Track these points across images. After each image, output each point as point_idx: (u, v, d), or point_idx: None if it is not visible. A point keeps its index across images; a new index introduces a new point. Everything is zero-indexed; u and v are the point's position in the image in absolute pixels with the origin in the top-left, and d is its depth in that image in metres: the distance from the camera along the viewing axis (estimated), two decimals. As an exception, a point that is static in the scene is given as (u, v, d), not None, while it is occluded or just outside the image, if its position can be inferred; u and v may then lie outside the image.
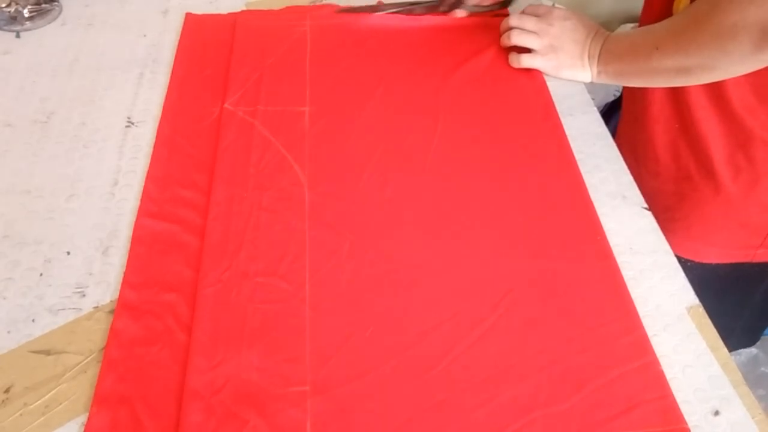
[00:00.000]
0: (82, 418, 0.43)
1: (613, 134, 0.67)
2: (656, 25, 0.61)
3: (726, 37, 0.53)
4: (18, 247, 0.53)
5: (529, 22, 0.69)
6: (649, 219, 0.58)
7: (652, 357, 0.48)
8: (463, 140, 0.63)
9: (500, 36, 0.73)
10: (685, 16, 0.58)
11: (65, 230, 0.54)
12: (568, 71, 0.69)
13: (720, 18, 0.53)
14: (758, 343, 1.42)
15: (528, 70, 0.70)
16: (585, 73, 0.68)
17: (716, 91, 0.62)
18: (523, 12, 0.72)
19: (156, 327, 0.48)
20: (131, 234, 0.54)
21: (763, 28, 0.50)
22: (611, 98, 1.00)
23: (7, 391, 0.44)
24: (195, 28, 0.74)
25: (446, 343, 0.48)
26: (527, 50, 0.70)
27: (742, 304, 0.81)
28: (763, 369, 1.35)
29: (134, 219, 0.55)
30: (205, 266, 0.51)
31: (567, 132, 0.64)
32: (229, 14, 0.76)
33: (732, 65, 0.55)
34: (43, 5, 0.76)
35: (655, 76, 0.62)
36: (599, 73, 0.67)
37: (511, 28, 0.70)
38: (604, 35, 0.67)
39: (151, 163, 0.59)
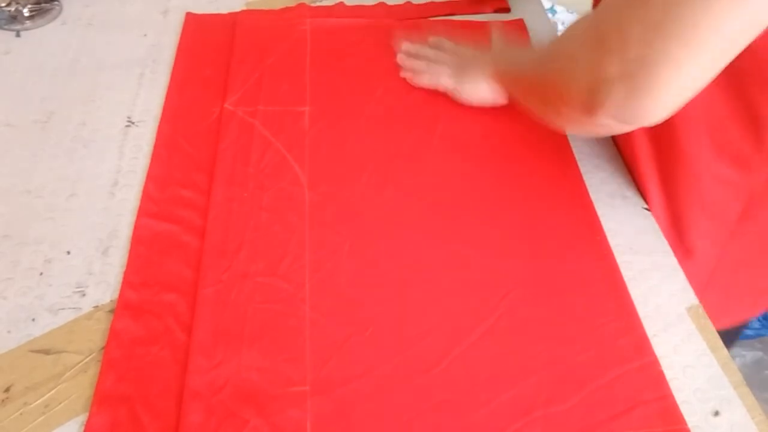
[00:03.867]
0: (82, 418, 0.43)
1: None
2: (528, 58, 0.57)
3: (560, 94, 0.46)
4: (18, 247, 0.53)
5: (430, 52, 0.68)
6: (649, 219, 0.58)
7: (652, 357, 0.48)
8: (462, 140, 0.63)
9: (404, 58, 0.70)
10: (539, 60, 0.52)
11: (65, 230, 0.54)
12: (473, 91, 0.65)
13: (554, 74, 0.47)
14: (762, 345, 1.42)
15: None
16: (489, 92, 0.64)
17: None
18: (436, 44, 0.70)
19: (156, 327, 0.48)
20: (131, 234, 0.53)
21: (589, 89, 0.41)
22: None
23: (7, 390, 0.44)
24: (195, 28, 0.74)
25: (446, 343, 0.48)
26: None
27: None
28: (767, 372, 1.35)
29: (134, 219, 0.55)
30: (205, 266, 0.51)
31: (567, 132, 0.64)
32: (229, 14, 0.76)
33: (569, 125, 0.51)
34: (44, 5, 0.76)
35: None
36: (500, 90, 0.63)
37: (424, 59, 0.68)
38: (496, 55, 0.65)
39: (151, 163, 0.59)
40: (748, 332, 1.41)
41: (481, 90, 0.64)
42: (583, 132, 0.52)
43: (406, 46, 0.71)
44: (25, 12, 0.75)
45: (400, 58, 0.70)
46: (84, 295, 0.50)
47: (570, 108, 0.45)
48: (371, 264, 0.53)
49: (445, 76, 0.66)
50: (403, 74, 0.69)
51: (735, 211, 0.56)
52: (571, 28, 0.47)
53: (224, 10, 0.77)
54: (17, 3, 0.75)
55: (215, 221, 0.54)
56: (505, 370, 0.47)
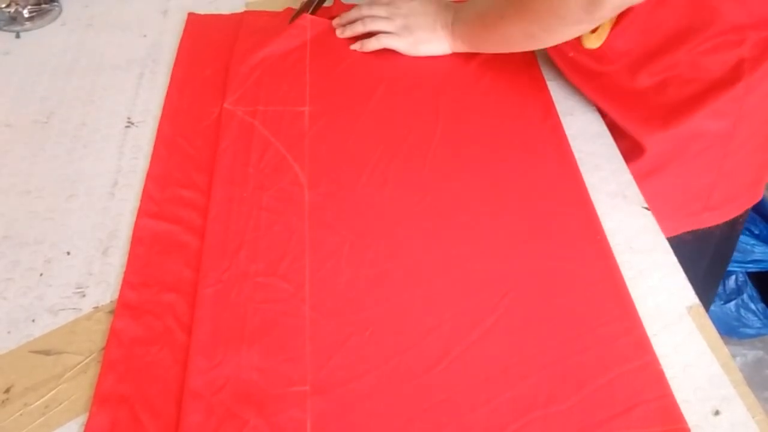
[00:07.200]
0: (82, 418, 0.43)
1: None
2: None
3: (557, 4, 0.55)
4: (18, 247, 0.53)
5: (380, 9, 0.72)
6: (649, 218, 0.58)
7: (652, 356, 0.48)
8: (463, 140, 0.63)
9: (339, 25, 0.74)
10: None
11: (65, 230, 0.54)
12: (425, 46, 0.71)
13: None
14: (762, 345, 1.41)
15: (527, 70, 0.71)
16: (442, 44, 0.71)
17: None
18: (370, 1, 0.74)
19: (156, 327, 0.48)
20: (131, 234, 0.54)
21: None
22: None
23: (7, 391, 0.44)
24: (197, 28, 0.74)
25: (446, 343, 0.48)
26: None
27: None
28: (768, 371, 1.35)
29: (134, 219, 0.55)
30: (205, 266, 0.51)
31: (567, 131, 0.64)
32: (231, 15, 0.77)
33: (568, 28, 0.58)
34: (43, 5, 0.76)
35: (506, 43, 0.65)
36: (455, 41, 0.70)
37: (362, 18, 0.72)
38: (455, 6, 0.70)
39: (151, 163, 0.59)
40: (749, 331, 1.40)
41: (434, 47, 0.70)
42: (580, 31, 0.59)
43: (337, 19, 0.74)
44: (25, 13, 0.75)
45: (339, 32, 0.73)
46: (84, 295, 0.50)
47: (570, 14, 0.54)
48: (371, 264, 0.53)
49: (391, 38, 0.71)
50: (352, 45, 0.72)
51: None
52: None
53: (225, 11, 0.77)
54: (17, 4, 0.75)
55: (215, 221, 0.54)
56: (504, 369, 0.47)
